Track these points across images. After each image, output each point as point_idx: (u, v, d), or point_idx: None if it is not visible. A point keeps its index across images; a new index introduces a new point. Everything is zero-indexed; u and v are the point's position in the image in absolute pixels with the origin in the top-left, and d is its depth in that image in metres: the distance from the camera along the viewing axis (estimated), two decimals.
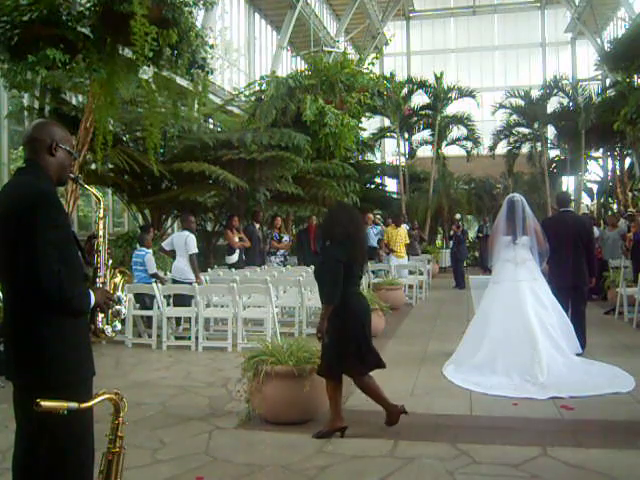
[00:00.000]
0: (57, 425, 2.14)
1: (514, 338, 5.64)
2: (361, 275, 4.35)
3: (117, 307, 2.52)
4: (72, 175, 2.53)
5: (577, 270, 6.46)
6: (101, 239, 2.51)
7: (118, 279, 2.62)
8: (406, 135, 21.99)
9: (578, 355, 6.00)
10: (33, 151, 2.39)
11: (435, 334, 8.12)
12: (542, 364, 5.41)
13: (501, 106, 20.75)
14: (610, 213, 16.11)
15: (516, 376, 5.38)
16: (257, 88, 15.14)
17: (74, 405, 1.92)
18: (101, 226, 2.53)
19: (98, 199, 2.59)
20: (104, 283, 2.48)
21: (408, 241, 13.07)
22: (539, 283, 6.01)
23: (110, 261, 2.56)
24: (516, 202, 6.12)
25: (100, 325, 2.44)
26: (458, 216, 16.14)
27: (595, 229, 11.37)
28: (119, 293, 2.58)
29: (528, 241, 6.07)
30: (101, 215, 2.54)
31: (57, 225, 2.23)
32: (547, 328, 5.73)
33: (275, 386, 4.19)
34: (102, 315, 2.44)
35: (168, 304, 7.72)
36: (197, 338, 7.29)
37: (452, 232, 14.83)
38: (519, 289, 5.88)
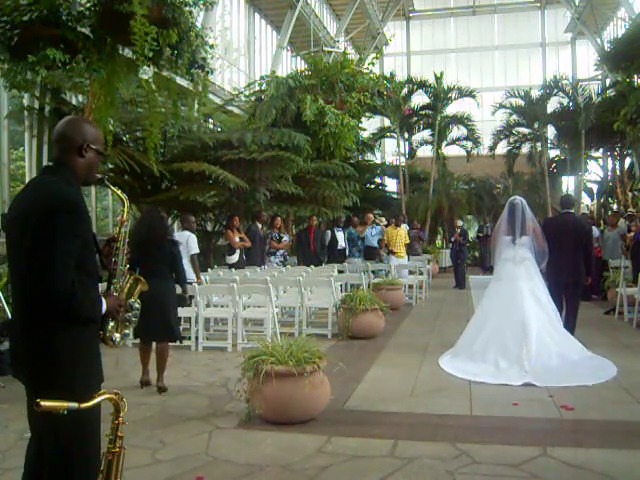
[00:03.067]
0: (65, 427, 2.13)
1: (508, 328, 5.91)
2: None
3: (128, 314, 2.49)
4: (99, 176, 2.45)
5: (576, 267, 6.74)
6: (120, 243, 2.46)
7: (133, 285, 2.58)
8: (406, 135, 21.97)
9: None
10: (62, 150, 2.32)
11: (435, 334, 8.12)
12: (531, 354, 5.63)
13: (501, 106, 20.73)
14: (610, 213, 16.07)
15: (504, 363, 5.63)
16: (257, 88, 15.12)
17: (74, 405, 1.92)
18: (122, 230, 2.47)
19: (123, 201, 2.51)
20: (120, 289, 2.46)
21: (408, 241, 13.08)
22: (536, 281, 6.31)
23: (127, 266, 2.52)
24: (516, 205, 6.49)
25: (108, 333, 2.40)
26: (460, 222, 16.01)
27: (595, 229, 11.38)
28: (132, 300, 2.54)
29: (528, 240, 6.39)
30: (123, 218, 2.48)
31: (76, 234, 2.17)
32: (542, 320, 6.00)
33: (275, 386, 4.18)
34: (113, 323, 2.41)
35: None
36: (197, 338, 7.29)
37: (454, 239, 14.81)
38: (517, 286, 6.20)
